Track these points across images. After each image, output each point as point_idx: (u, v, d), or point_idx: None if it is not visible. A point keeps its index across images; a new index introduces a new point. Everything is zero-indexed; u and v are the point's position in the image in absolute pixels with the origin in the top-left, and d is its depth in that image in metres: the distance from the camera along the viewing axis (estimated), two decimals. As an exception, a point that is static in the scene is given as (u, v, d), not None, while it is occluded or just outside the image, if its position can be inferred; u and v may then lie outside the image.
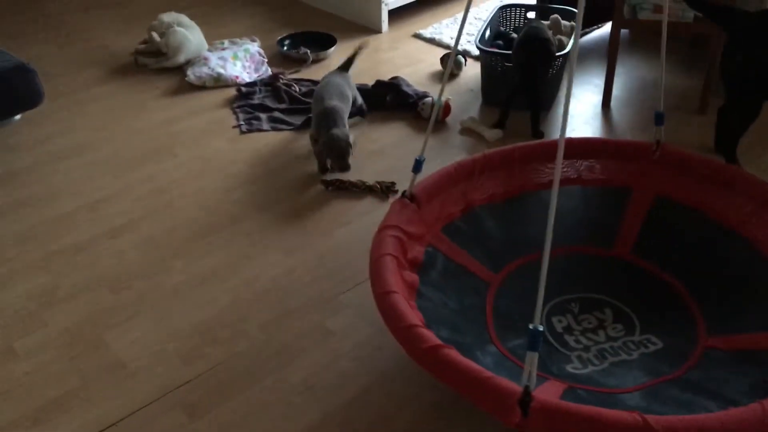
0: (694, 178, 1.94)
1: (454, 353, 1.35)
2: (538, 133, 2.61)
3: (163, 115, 2.80)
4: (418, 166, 1.80)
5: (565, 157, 2.03)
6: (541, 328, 1.20)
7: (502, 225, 1.98)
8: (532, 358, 1.19)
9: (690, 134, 2.63)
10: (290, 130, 2.71)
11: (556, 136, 2.65)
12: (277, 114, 2.79)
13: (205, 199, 2.31)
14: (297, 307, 1.87)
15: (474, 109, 2.83)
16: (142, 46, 3.26)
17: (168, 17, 3.18)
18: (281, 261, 2.03)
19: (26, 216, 2.22)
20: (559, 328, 1.75)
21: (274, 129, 2.71)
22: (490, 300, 1.81)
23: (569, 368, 1.62)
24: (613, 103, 2.85)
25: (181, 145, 2.60)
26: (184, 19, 3.20)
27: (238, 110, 2.83)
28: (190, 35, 3.12)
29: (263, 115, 2.78)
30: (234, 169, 2.47)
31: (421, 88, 2.89)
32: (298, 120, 2.76)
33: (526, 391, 1.21)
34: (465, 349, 1.52)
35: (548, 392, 1.46)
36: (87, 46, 3.37)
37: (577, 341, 1.71)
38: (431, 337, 1.39)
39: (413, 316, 1.46)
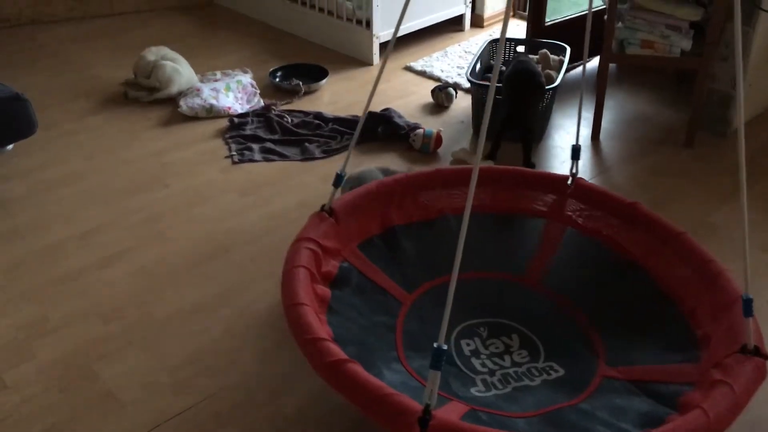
0: (603, 212, 1.98)
1: (357, 368, 1.35)
2: (529, 164, 2.64)
3: (155, 146, 2.81)
4: (338, 180, 1.80)
5: (486, 185, 2.07)
6: (445, 347, 1.20)
7: (418, 246, 1.99)
8: (435, 377, 1.18)
9: (677, 167, 2.67)
10: (282, 160, 2.72)
11: (548, 166, 2.68)
12: (269, 145, 2.81)
13: (197, 229, 2.31)
14: (289, 338, 1.85)
15: (465, 141, 2.86)
16: (130, 81, 3.27)
17: (151, 55, 3.19)
18: (274, 290, 2.03)
19: (17, 245, 2.21)
20: (466, 351, 1.76)
21: (266, 159, 2.72)
22: (401, 319, 1.81)
23: (473, 391, 1.63)
24: (602, 135, 2.89)
25: (173, 175, 2.61)
26: (168, 52, 3.22)
27: (230, 141, 2.84)
28: (179, 67, 3.14)
29: (255, 146, 2.79)
30: (226, 199, 2.47)
31: (412, 120, 2.92)
32: (289, 151, 2.78)
33: (426, 410, 1.20)
34: (372, 365, 1.53)
35: (449, 413, 1.47)
36: (80, 76, 3.39)
37: (483, 365, 1.72)
38: (337, 351, 1.38)
39: (321, 329, 1.45)
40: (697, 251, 1.73)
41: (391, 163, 2.69)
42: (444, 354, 1.19)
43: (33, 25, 3.97)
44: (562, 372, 1.68)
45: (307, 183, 2.57)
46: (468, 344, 1.79)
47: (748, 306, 1.41)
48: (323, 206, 1.83)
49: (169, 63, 3.12)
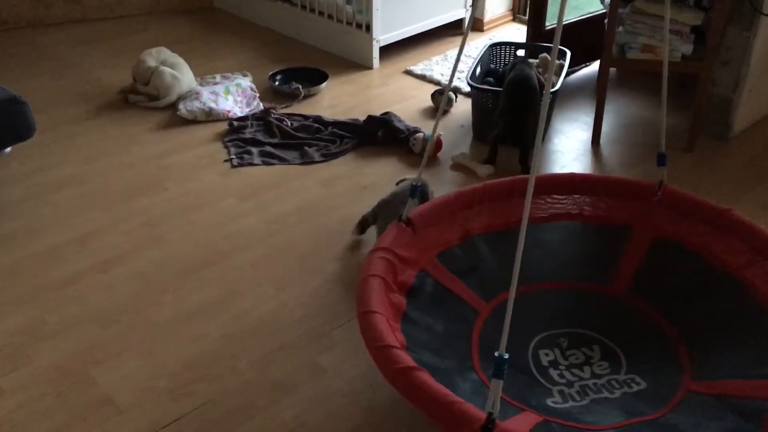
0: (694, 221, 1.91)
1: (425, 376, 1.35)
2: (527, 169, 2.64)
3: (154, 149, 2.80)
4: (414, 191, 1.80)
5: (567, 192, 2.04)
6: (506, 356, 1.20)
7: (497, 255, 1.97)
8: (497, 385, 1.20)
9: (679, 172, 2.66)
10: (282, 164, 2.71)
11: (546, 172, 2.67)
12: (268, 148, 2.80)
13: (196, 234, 2.29)
14: (289, 342, 1.85)
15: (465, 145, 2.86)
16: (129, 87, 3.25)
17: (151, 59, 3.17)
18: (273, 296, 2.01)
19: (14, 249, 2.20)
20: (545, 361, 1.74)
21: (265, 163, 2.71)
22: (478, 328, 1.80)
23: (549, 402, 1.61)
24: (603, 139, 2.88)
25: (171, 179, 2.60)
26: (168, 56, 3.21)
27: (229, 144, 2.83)
28: (177, 73, 3.12)
29: (255, 150, 2.78)
30: (225, 204, 2.46)
31: (412, 124, 2.91)
32: (289, 155, 2.77)
33: (489, 418, 1.21)
34: (444, 373, 1.52)
35: (520, 423, 1.46)
36: (79, 79, 3.38)
37: (561, 376, 1.70)
38: (406, 358, 1.39)
39: (392, 336, 1.46)
40: None
41: (392, 167, 2.69)
42: (506, 363, 1.20)
43: (32, 28, 3.96)
44: (644, 385, 1.64)
45: (306, 187, 2.56)
46: (547, 354, 1.76)
47: None
48: (401, 216, 1.84)
49: (167, 70, 3.10)
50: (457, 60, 1.65)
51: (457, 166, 2.69)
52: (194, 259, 2.17)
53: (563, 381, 1.68)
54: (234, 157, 2.74)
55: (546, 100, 1.28)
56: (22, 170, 2.62)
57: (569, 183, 2.06)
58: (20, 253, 2.18)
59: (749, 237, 1.81)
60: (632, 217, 2.00)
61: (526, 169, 2.63)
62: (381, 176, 2.63)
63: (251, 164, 2.70)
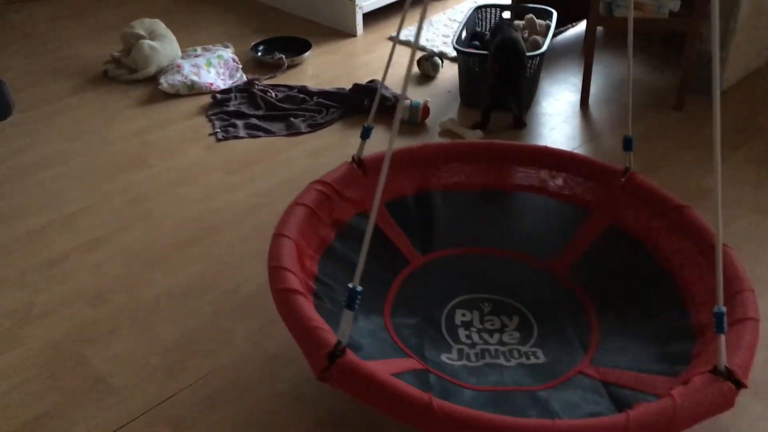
0: (651, 213, 1.81)
1: (302, 300, 1.39)
2: (520, 123, 2.63)
3: (136, 125, 2.75)
4: (366, 132, 1.79)
5: (536, 165, 2.02)
6: (359, 288, 1.23)
7: (449, 214, 1.96)
8: (348, 316, 1.24)
9: (668, 131, 2.64)
10: (268, 136, 2.67)
11: (536, 134, 2.64)
12: (253, 121, 2.75)
13: (184, 209, 2.26)
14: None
15: (453, 111, 2.82)
16: (112, 57, 3.19)
17: (141, 27, 3.12)
18: (264, 270, 1.98)
19: (-2, 231, 2.16)
20: (458, 320, 1.75)
21: (250, 136, 2.67)
22: (402, 276, 1.81)
23: (444, 357, 1.62)
24: (591, 101, 2.86)
25: (156, 155, 2.55)
26: (158, 27, 3.15)
27: (213, 118, 2.78)
28: (158, 46, 3.06)
29: (239, 122, 2.74)
30: (212, 178, 2.42)
31: (398, 91, 2.87)
32: (275, 126, 2.73)
33: (337, 345, 1.25)
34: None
35: (396, 366, 1.48)
36: (56, 56, 3.30)
37: (469, 337, 1.70)
38: (293, 282, 1.44)
39: (292, 260, 1.50)
40: (730, 262, 1.56)
41: (379, 135, 2.65)
42: (358, 295, 1.23)
43: (5, 4, 3.86)
44: (542, 360, 1.63)
45: (294, 158, 2.53)
46: (464, 315, 1.77)
47: (719, 320, 1.23)
48: (354, 156, 1.81)
49: (146, 42, 3.04)
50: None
51: (445, 132, 2.67)
52: (183, 235, 2.15)
53: (468, 342, 1.69)
54: (219, 130, 2.69)
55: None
56: (2, 151, 2.57)
57: (540, 156, 2.02)
58: (4, 235, 2.14)
59: (696, 237, 1.69)
60: (593, 200, 1.94)
61: (520, 124, 2.62)
62: (368, 145, 2.59)
63: (236, 137, 2.66)
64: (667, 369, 1.47)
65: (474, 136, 2.59)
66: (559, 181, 2.00)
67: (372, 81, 2.91)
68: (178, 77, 2.97)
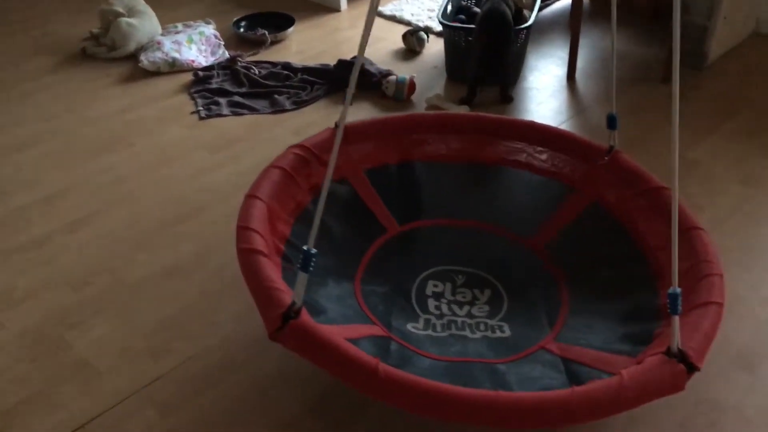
0: (632, 193, 1.78)
1: (263, 261, 1.39)
2: (507, 98, 2.61)
3: (117, 104, 2.69)
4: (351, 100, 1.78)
5: (522, 140, 1.99)
6: (313, 251, 1.24)
7: (431, 185, 1.95)
8: (302, 279, 1.26)
9: (655, 104, 2.63)
10: (251, 114, 2.63)
11: (522, 109, 2.62)
12: (236, 98, 2.71)
13: (167, 189, 2.23)
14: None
15: (439, 86, 2.79)
16: (90, 34, 3.13)
17: (119, 3, 3.04)
18: (249, 249, 1.97)
19: (-23, 214, 2.12)
20: (429, 291, 1.74)
21: (234, 114, 2.63)
22: (378, 244, 1.80)
23: (409, 326, 1.62)
24: (578, 75, 2.83)
25: (137, 134, 2.51)
26: (136, 2, 3.08)
27: (195, 95, 2.73)
28: (137, 23, 2.99)
29: (222, 100, 2.69)
30: (195, 157, 2.38)
31: (384, 67, 2.83)
32: (258, 104, 2.68)
33: (292, 306, 1.27)
34: (321, 275, 1.60)
35: (356, 331, 1.49)
36: (34, 34, 3.23)
37: (438, 308, 1.70)
38: (259, 243, 1.44)
39: (260, 222, 1.50)
40: (702, 246, 1.53)
41: (365, 112, 2.62)
42: (312, 257, 1.24)
43: (-20, -19, 3.76)
44: (507, 334, 1.63)
45: (278, 136, 2.49)
46: (435, 286, 1.76)
47: (674, 302, 1.22)
48: (337, 123, 1.80)
49: (123, 20, 2.97)
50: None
51: (431, 108, 2.63)
52: (166, 215, 2.11)
53: (436, 313, 1.69)
54: (201, 108, 2.65)
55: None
56: (-21, 131, 2.51)
57: (526, 130, 2.00)
58: (-17, 218, 2.10)
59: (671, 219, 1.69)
60: (576, 177, 1.91)
61: (506, 99, 2.60)
62: (357, 117, 2.56)
63: (220, 115, 2.62)
64: (629, 349, 1.46)
65: (461, 111, 2.56)
66: (544, 157, 1.98)
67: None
68: (159, 54, 2.91)
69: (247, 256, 1.43)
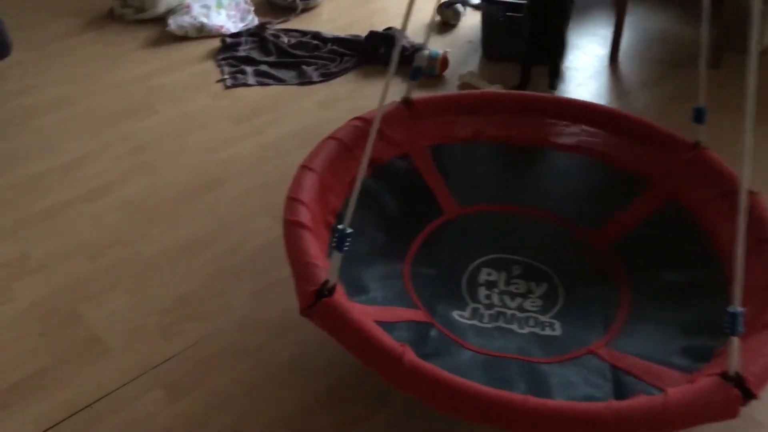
0: (716, 194, 1.62)
1: (306, 234, 1.36)
2: (554, 86, 2.47)
3: (142, 69, 2.63)
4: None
5: (600, 127, 1.85)
6: (349, 230, 1.21)
7: (497, 168, 1.86)
8: (337, 258, 1.23)
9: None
10: (278, 84, 2.55)
11: (561, 90, 2.49)
12: (263, 67, 2.62)
13: (188, 160, 2.16)
14: (284, 278, 1.72)
15: (473, 63, 2.67)
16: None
17: None
18: (269, 227, 1.90)
19: (-5, 178, 2.08)
20: (482, 279, 1.66)
21: (260, 84, 2.55)
22: (432, 227, 1.73)
23: (455, 314, 1.55)
24: (621, 56, 2.69)
25: (161, 101, 2.44)
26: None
27: (222, 63, 2.65)
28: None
29: (249, 69, 2.61)
30: (218, 127, 2.31)
31: (417, 40, 2.72)
32: (285, 74, 2.60)
33: (324, 284, 1.23)
34: (371, 249, 1.57)
35: (395, 315, 1.44)
36: (61, -7, 3.16)
37: (488, 297, 1.62)
38: (304, 215, 1.41)
39: (311, 194, 1.47)
40: None
41: (394, 87, 2.51)
42: (347, 237, 1.21)
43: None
44: (558, 332, 1.53)
45: (304, 109, 2.41)
46: (489, 274, 1.68)
47: (733, 321, 1.12)
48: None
49: (154, -21, 2.90)
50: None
51: (464, 86, 2.52)
52: (186, 187, 2.05)
53: (486, 302, 1.61)
54: (227, 77, 2.57)
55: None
56: (1, 92, 2.46)
57: (605, 117, 1.85)
58: (1, 182, 2.06)
59: (757, 227, 1.49)
60: (653, 171, 1.77)
61: (553, 83, 2.45)
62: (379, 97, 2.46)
63: (245, 85, 2.54)
64: (686, 364, 1.36)
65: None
66: (620, 147, 1.82)
67: (389, 28, 2.75)
68: (188, 19, 2.83)
69: (291, 228, 1.39)
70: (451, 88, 2.52)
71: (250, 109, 2.41)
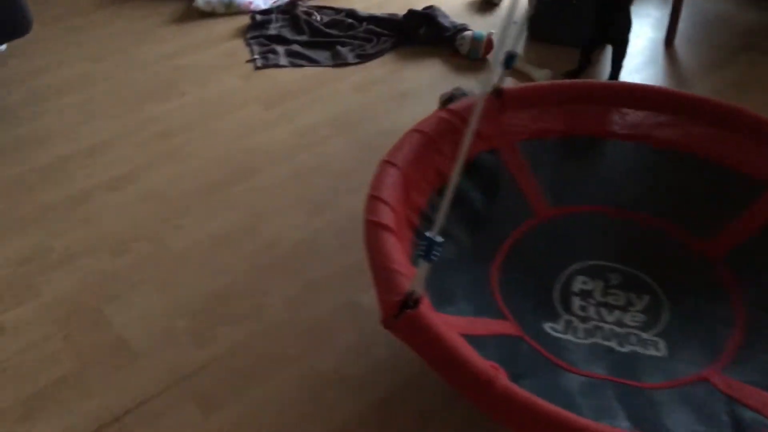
0: None
1: (388, 237, 1.27)
2: (616, 75, 2.28)
3: (168, 47, 2.50)
4: (510, 60, 1.58)
5: (712, 124, 1.67)
6: (439, 239, 1.08)
7: (596, 165, 1.72)
8: (423, 267, 1.11)
9: (761, 79, 2.31)
10: (311, 66, 2.40)
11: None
12: (295, 47, 2.48)
13: (217, 146, 2.04)
14: (323, 277, 1.63)
15: (519, 46, 2.51)
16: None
17: None
18: (305, 222, 1.77)
19: (14, 162, 1.96)
20: (576, 288, 1.52)
21: (292, 64, 2.41)
22: (524, 229, 1.61)
23: (547, 326, 1.42)
24: (678, 40, 2.52)
25: (188, 82, 2.31)
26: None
27: (252, 42, 2.52)
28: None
29: (280, 48, 2.47)
30: (248, 111, 2.18)
31: (458, 20, 2.56)
32: (319, 55, 2.45)
33: (409, 295, 1.13)
34: (456, 252, 1.47)
35: (485, 327, 1.33)
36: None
37: (584, 309, 1.48)
38: (387, 216, 1.31)
39: (393, 192, 1.38)
40: None
41: (434, 70, 2.36)
42: (436, 245, 1.09)
43: None
44: (663, 353, 1.38)
45: (339, 93, 2.27)
46: (585, 282, 1.54)
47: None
48: (495, 86, 1.64)
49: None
50: None
51: (510, 71, 2.37)
52: (215, 176, 1.93)
53: (580, 314, 1.46)
54: (258, 56, 2.43)
55: None
56: (20, 71, 2.35)
57: (720, 112, 1.66)
58: (20, 167, 1.95)
59: None
60: None
61: (615, 71, 2.27)
62: (423, 81, 2.32)
63: (277, 65, 2.40)
64: None
65: (543, 76, 2.30)
66: (735, 146, 1.64)
67: (429, 7, 2.59)
68: (214, -7, 2.69)
69: (373, 230, 1.30)
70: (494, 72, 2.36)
71: (281, 91, 2.27)
